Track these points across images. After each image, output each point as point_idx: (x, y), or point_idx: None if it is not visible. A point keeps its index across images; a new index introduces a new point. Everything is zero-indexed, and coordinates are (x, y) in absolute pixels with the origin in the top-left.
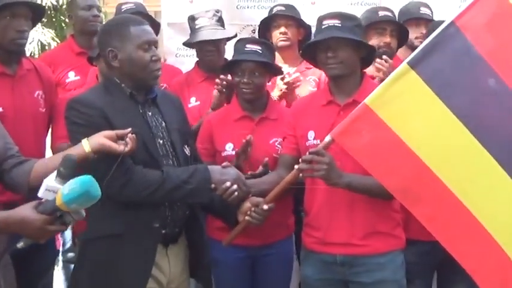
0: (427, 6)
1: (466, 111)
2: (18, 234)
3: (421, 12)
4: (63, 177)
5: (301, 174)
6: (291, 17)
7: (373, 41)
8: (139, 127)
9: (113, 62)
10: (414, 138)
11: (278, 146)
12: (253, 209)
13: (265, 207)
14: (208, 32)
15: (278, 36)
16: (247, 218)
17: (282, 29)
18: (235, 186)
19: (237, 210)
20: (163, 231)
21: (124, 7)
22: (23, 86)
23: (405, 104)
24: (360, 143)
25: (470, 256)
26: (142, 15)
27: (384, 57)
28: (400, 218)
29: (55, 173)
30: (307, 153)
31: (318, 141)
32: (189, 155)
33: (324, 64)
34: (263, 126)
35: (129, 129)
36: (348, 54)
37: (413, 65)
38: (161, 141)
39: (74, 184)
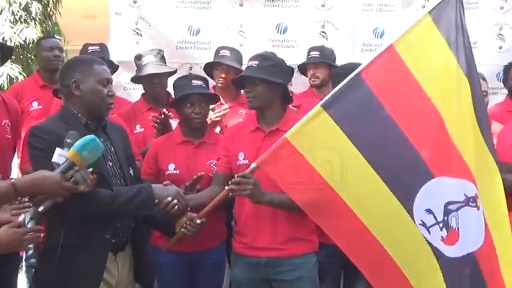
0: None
1: (367, 146)
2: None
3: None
4: (69, 147)
5: (230, 194)
6: (230, 65)
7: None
8: None
9: (75, 91)
10: (324, 167)
11: (214, 167)
12: (188, 222)
13: (198, 221)
14: (154, 67)
15: (219, 79)
16: (182, 230)
17: (223, 75)
18: (175, 201)
19: (175, 223)
20: (113, 241)
21: (90, 48)
22: None
23: (318, 139)
24: (279, 168)
25: (365, 262)
26: (104, 59)
27: None
28: (314, 225)
29: (59, 148)
30: (236, 176)
31: (247, 161)
32: (132, 175)
33: (246, 98)
34: (201, 149)
35: (90, 169)
36: (260, 90)
37: (326, 107)
38: (111, 164)
39: (81, 139)
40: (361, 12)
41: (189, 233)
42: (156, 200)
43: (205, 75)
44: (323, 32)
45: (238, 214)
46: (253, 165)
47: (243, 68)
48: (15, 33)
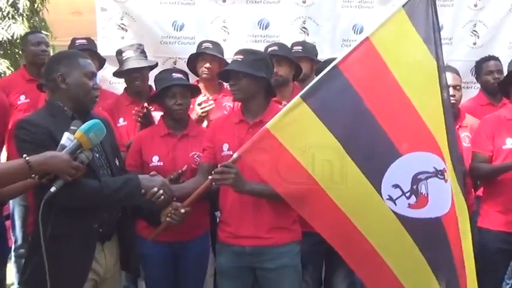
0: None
1: (343, 134)
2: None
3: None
4: (74, 132)
5: (213, 183)
6: (214, 55)
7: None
8: None
9: (61, 85)
10: (304, 157)
11: (197, 158)
12: (173, 211)
13: (183, 210)
14: (134, 62)
15: (203, 69)
16: (168, 219)
17: (207, 65)
18: (161, 191)
19: (160, 213)
20: (100, 230)
21: (78, 42)
22: None
23: (298, 129)
24: (261, 158)
25: (347, 249)
26: (91, 51)
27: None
28: (297, 215)
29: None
30: (218, 166)
31: (231, 152)
32: (118, 165)
33: (230, 90)
34: (184, 141)
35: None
36: (244, 83)
37: (304, 97)
38: (97, 155)
39: (87, 123)
40: (341, 9)
41: (174, 222)
42: (143, 191)
43: (188, 71)
44: (304, 27)
45: (223, 204)
46: (235, 155)
47: (227, 60)
48: (2, 28)
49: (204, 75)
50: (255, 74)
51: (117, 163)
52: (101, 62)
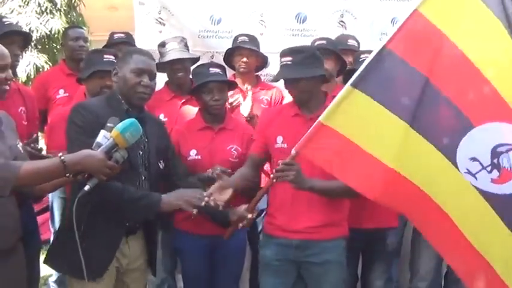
0: (354, 38)
1: (404, 110)
2: None
3: (348, 43)
4: (111, 130)
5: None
6: (251, 49)
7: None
8: None
9: (114, 78)
10: (367, 142)
11: (234, 151)
12: (244, 221)
13: (250, 216)
14: (177, 53)
15: (240, 64)
16: (240, 224)
17: (244, 59)
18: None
19: (228, 214)
20: (127, 224)
21: (116, 35)
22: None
23: (354, 115)
24: (321, 153)
25: (429, 229)
26: (129, 45)
27: None
28: (347, 211)
29: (105, 128)
30: (280, 163)
31: (285, 145)
32: (162, 168)
33: (290, 94)
34: (221, 135)
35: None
36: (303, 86)
37: (355, 85)
38: (141, 152)
39: (123, 122)
40: (379, 2)
41: (247, 224)
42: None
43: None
44: (342, 21)
45: (271, 198)
46: (293, 152)
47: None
48: (41, 23)
49: (241, 70)
50: (313, 74)
51: (161, 165)
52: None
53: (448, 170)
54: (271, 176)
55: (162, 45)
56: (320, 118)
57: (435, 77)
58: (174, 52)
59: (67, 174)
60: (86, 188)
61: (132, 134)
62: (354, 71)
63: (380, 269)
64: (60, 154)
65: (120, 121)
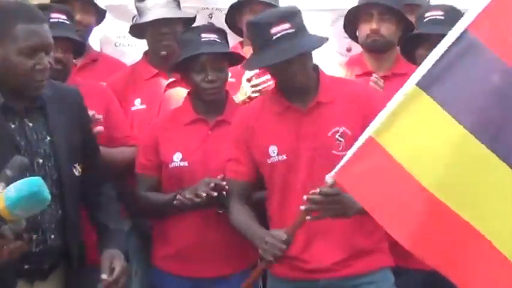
0: None
1: (485, 128)
2: None
3: None
4: (8, 182)
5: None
6: (269, 3)
7: (360, 30)
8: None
9: None
10: (423, 169)
11: None
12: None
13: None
14: (164, 11)
15: None
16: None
17: None
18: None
19: None
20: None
21: None
22: None
23: (413, 130)
24: (362, 181)
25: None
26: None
27: (374, 77)
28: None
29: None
30: (318, 192)
31: (284, 156)
32: (78, 175)
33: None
34: (220, 130)
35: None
36: (303, 61)
37: (424, 86)
38: (41, 160)
39: (21, 184)
40: None
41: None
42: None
43: (227, 28)
44: None
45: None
46: (329, 180)
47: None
48: None
49: None
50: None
51: (77, 172)
52: (100, 14)
53: None
54: (302, 208)
55: None
56: (371, 132)
57: None
58: (158, 9)
59: None
60: None
61: (26, 209)
62: (416, 37)
63: None
64: None
65: (23, 167)
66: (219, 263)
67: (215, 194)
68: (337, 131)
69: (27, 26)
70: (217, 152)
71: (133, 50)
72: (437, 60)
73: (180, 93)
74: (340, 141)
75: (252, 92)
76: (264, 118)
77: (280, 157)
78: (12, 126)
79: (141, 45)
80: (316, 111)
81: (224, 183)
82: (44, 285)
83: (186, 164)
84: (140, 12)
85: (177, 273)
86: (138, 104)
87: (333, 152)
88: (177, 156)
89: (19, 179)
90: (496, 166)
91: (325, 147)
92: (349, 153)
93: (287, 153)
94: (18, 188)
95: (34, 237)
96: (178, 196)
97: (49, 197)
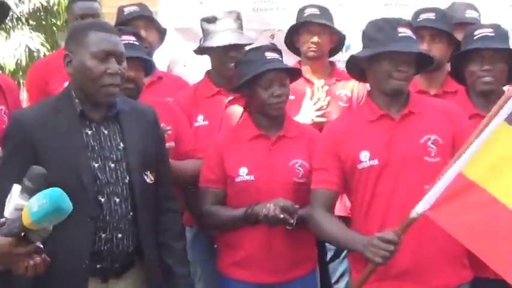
0: (473, 8)
1: None
2: None
3: (466, 15)
4: (30, 193)
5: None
6: (324, 24)
7: None
8: (75, 151)
9: (67, 69)
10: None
11: (299, 168)
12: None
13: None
14: (235, 36)
15: (310, 45)
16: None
17: (315, 39)
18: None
19: None
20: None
21: (126, 10)
22: None
23: (502, 160)
24: (459, 218)
25: None
26: (146, 19)
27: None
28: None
29: (17, 188)
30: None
31: (376, 161)
32: (150, 182)
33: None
34: (281, 145)
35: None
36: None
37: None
38: (113, 165)
39: (43, 199)
40: None
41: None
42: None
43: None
44: None
45: None
46: (414, 214)
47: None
48: None
49: (311, 54)
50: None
51: (148, 179)
52: (161, 33)
53: None
54: (414, 214)
55: (211, 21)
56: (461, 169)
57: None
58: (229, 34)
59: None
60: None
61: (52, 222)
62: (464, 54)
63: None
64: None
65: (41, 177)
66: (283, 268)
67: (282, 216)
68: (429, 139)
69: (99, 33)
70: (280, 166)
71: (201, 70)
72: None
73: (237, 110)
74: (432, 148)
75: (316, 116)
76: (355, 126)
77: (372, 162)
78: (89, 132)
79: (207, 66)
80: (408, 119)
81: (297, 206)
82: (120, 283)
83: (252, 178)
84: (207, 34)
85: (243, 279)
86: (200, 120)
87: (425, 158)
88: (243, 171)
89: (39, 190)
90: None
91: (417, 154)
92: (437, 188)
93: (379, 158)
94: (41, 203)
95: (103, 236)
96: (262, 213)
97: (70, 207)
